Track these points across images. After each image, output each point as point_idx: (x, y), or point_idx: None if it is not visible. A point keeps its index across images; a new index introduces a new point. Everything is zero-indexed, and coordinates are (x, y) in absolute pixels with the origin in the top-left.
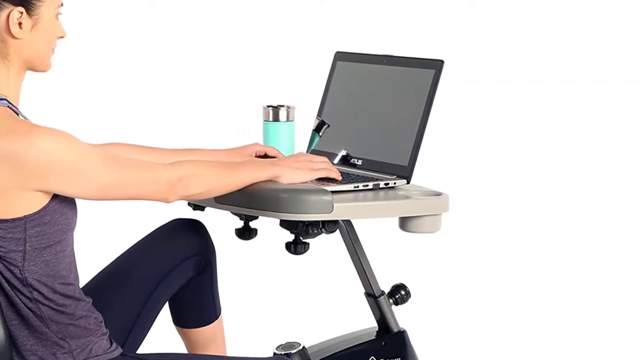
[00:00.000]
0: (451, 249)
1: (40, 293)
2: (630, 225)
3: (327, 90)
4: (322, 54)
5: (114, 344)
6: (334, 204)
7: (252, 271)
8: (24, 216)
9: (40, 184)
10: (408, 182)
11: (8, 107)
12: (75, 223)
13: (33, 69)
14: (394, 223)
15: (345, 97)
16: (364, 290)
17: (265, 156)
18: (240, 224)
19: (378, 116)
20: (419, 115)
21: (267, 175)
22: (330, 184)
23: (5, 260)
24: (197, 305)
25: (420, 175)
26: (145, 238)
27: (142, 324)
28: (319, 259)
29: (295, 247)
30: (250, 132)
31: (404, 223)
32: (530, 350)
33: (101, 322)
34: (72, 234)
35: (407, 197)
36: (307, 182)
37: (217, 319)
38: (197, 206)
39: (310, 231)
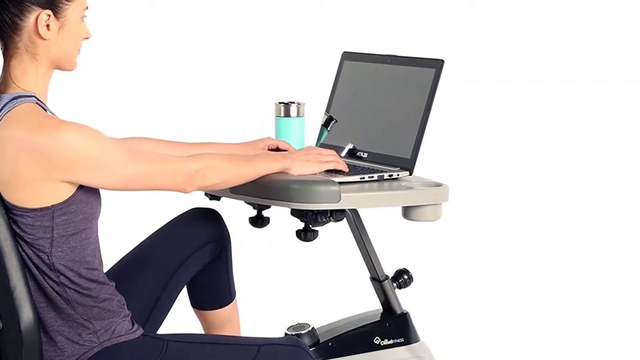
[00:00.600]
0: (451, 236)
1: (66, 277)
2: (628, 210)
3: (334, 88)
4: (330, 54)
5: (136, 325)
6: (341, 194)
7: (264, 257)
8: (52, 205)
9: (66, 176)
10: (410, 174)
11: (37, 103)
12: (100, 212)
13: (60, 68)
14: (397, 212)
15: (351, 94)
16: (369, 275)
17: (277, 149)
18: (253, 212)
19: (382, 112)
20: (421, 111)
21: (279, 167)
22: (337, 175)
23: (34, 247)
24: (214, 288)
25: (422, 167)
26: (165, 226)
27: (162, 307)
28: (327, 245)
29: (305, 235)
30: (262, 127)
31: (407, 212)
32: (525, 329)
33: (124, 304)
34: (97, 222)
35: (409, 188)
36: (316, 173)
37: (232, 301)
38: (214, 196)
39: (319, 219)
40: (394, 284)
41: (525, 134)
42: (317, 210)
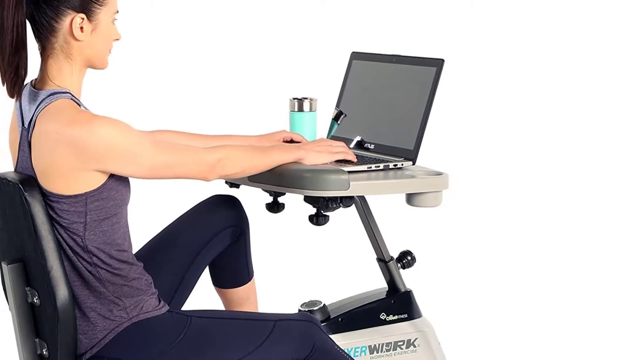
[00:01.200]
0: (451, 221)
1: (99, 258)
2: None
3: (344, 85)
4: (340, 54)
5: (162, 302)
6: (350, 182)
7: (280, 240)
8: (85, 193)
9: (99, 166)
10: (413, 164)
11: (71, 99)
12: (129, 198)
13: (92, 66)
14: (401, 199)
15: (359, 91)
16: (375, 256)
17: (291, 141)
18: (270, 199)
19: (388, 107)
20: (423, 106)
21: (293, 158)
22: (347, 165)
23: (69, 230)
24: (233, 268)
25: (424, 157)
26: (189, 211)
27: (186, 285)
28: (338, 229)
29: (317, 219)
30: (277, 120)
31: (410, 198)
32: (518, 303)
33: (151, 283)
34: (126, 207)
35: (412, 176)
36: (327, 163)
37: (250, 280)
38: (233, 184)
39: (330, 205)
40: (399, 265)
41: (521, 126)
42: (328, 196)
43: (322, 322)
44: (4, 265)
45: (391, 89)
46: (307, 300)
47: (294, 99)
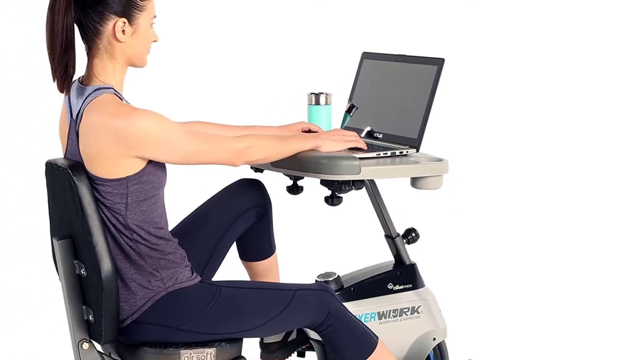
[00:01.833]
0: (450, 202)
1: (138, 235)
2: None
3: (356, 81)
4: (352, 53)
5: (195, 274)
6: (361, 167)
7: (299, 219)
8: (126, 177)
9: (138, 153)
10: (417, 151)
11: (114, 94)
12: (165, 182)
13: (133, 65)
14: (406, 182)
15: (369, 86)
16: (383, 233)
17: (309, 131)
18: (290, 182)
19: (394, 101)
20: (426, 100)
21: (310, 146)
22: (358, 152)
23: (112, 210)
24: (258, 244)
25: (427, 145)
26: (218, 193)
27: (216, 258)
28: (350, 209)
29: (332, 200)
30: (297, 113)
31: (414, 182)
32: (510, 267)
33: (185, 257)
34: (163, 190)
35: (416, 162)
36: (341, 151)
37: (272, 254)
38: (258, 169)
39: (343, 188)
40: (404, 240)
41: (514, 116)
42: (341, 180)
43: (336, 291)
44: (55, 241)
45: (397, 84)
46: (322, 272)
47: (311, 93)
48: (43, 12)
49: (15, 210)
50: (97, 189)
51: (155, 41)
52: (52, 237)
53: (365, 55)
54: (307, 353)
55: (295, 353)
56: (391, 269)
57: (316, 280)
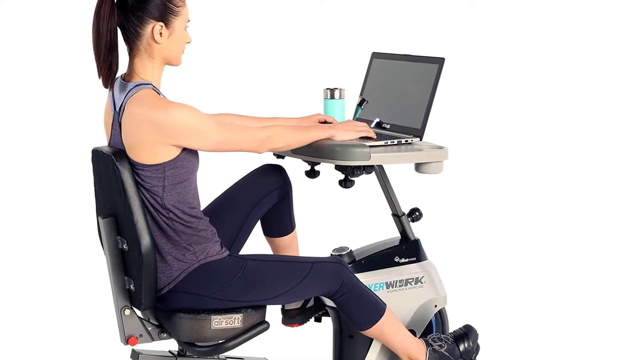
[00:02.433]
0: (450, 184)
1: (174, 214)
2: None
3: (366, 78)
4: (364, 53)
5: (224, 248)
6: (371, 154)
7: (316, 199)
8: (163, 162)
9: (174, 141)
10: (421, 140)
11: (153, 89)
12: (198, 167)
13: (169, 63)
14: (411, 167)
15: (378, 82)
16: (391, 212)
17: (325, 122)
18: (308, 167)
19: (401, 95)
20: (428, 94)
21: (326, 135)
22: (368, 141)
23: (151, 192)
24: (279, 222)
25: (429, 134)
26: (244, 177)
27: (243, 234)
28: (361, 191)
29: (345, 183)
30: (314, 106)
31: (418, 167)
32: (502, 242)
33: (215, 233)
34: (196, 174)
35: (419, 150)
36: (353, 139)
37: (292, 231)
38: (279, 156)
39: (355, 172)
40: (409, 219)
41: (509, 110)
42: (353, 165)
43: (349, 263)
44: (100, 219)
45: (403, 81)
46: (337, 247)
47: (327, 89)
48: (45, 12)
49: (63, 193)
50: (138, 173)
51: (188, 43)
52: (97, 215)
53: (375, 55)
54: (323, 318)
55: (313, 318)
56: (397, 244)
57: (331, 254)
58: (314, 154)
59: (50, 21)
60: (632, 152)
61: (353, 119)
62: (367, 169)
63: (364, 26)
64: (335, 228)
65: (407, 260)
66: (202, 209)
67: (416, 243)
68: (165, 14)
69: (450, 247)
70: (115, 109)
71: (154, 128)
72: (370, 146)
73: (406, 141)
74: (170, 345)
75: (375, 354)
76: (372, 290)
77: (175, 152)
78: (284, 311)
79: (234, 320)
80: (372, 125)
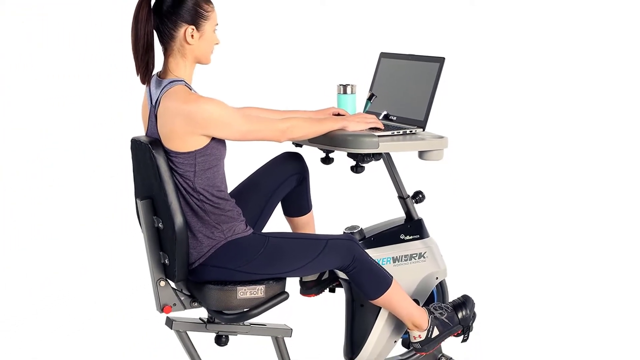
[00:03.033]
0: (449, 170)
1: (204, 196)
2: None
3: (375, 75)
4: (373, 53)
5: (248, 227)
6: (380, 143)
7: (331, 183)
8: (194, 150)
9: (204, 131)
10: (423, 130)
11: (185, 85)
12: (225, 154)
13: (200, 62)
14: (414, 154)
15: (386, 79)
16: (397, 195)
17: (338, 115)
18: (323, 155)
19: (406, 90)
20: (430, 89)
21: (340, 126)
22: (377, 131)
23: (183, 177)
24: (298, 203)
25: (431, 125)
26: (266, 163)
27: (265, 214)
28: (371, 176)
29: (356, 169)
30: (328, 100)
31: (421, 154)
32: (498, 219)
33: (240, 213)
34: (223, 160)
35: (422, 139)
36: (363, 130)
37: (309, 211)
38: (298, 144)
39: (365, 159)
40: (413, 200)
41: (505, 103)
42: (364, 153)
43: (359, 240)
44: (138, 201)
45: (408, 78)
46: (349, 225)
47: (340, 85)
48: (45, 12)
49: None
50: (172, 160)
51: (217, 44)
52: (135, 198)
53: (382, 55)
54: (337, 289)
55: (328, 289)
56: (403, 223)
57: (344, 232)
58: (328, 142)
59: (50, 21)
60: (630, 137)
61: (363, 111)
62: (376, 156)
63: (373, 28)
64: (347, 209)
65: (411, 237)
66: (229, 191)
67: (419, 222)
68: (196, 18)
69: (450, 225)
70: (151, 102)
71: (186, 120)
72: (379, 136)
73: (410, 131)
74: (201, 313)
75: (383, 320)
76: (380, 264)
77: (205, 141)
78: (301, 283)
79: (257, 291)
80: (380, 117)
